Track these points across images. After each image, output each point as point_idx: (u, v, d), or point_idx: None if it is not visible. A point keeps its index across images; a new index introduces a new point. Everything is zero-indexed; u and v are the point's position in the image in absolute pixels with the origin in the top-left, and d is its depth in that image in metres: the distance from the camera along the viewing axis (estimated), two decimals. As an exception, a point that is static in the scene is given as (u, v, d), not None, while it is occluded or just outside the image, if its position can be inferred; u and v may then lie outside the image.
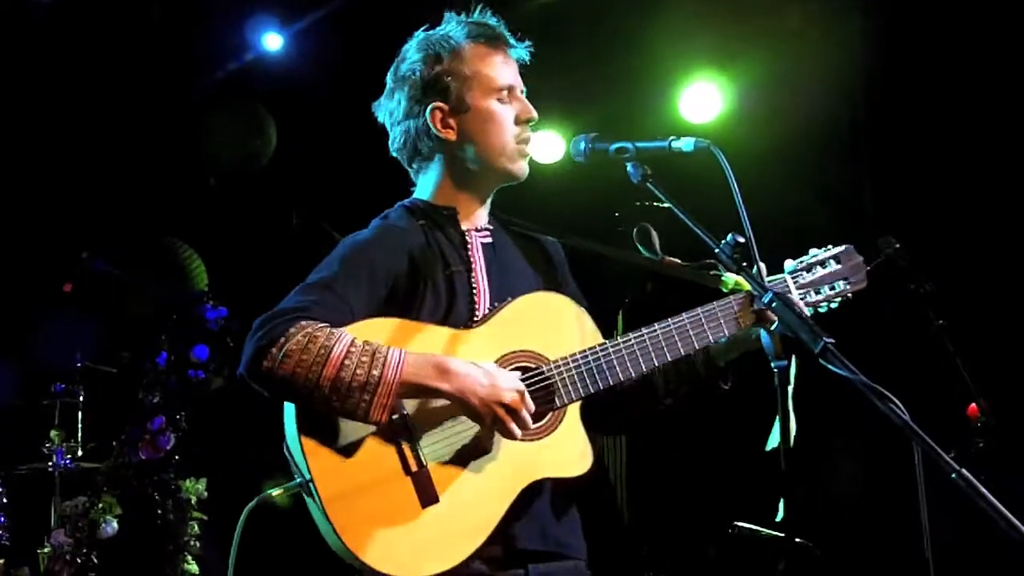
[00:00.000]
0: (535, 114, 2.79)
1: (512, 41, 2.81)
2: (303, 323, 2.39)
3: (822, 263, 2.86)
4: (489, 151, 2.74)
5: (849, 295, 2.87)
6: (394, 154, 2.86)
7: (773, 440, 2.71)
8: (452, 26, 2.79)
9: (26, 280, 6.37)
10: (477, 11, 2.83)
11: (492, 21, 2.82)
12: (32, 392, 5.91)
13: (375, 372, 2.37)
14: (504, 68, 2.77)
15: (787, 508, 2.65)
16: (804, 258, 2.88)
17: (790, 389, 2.64)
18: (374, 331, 2.48)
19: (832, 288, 2.85)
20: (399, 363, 2.40)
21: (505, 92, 2.76)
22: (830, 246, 2.90)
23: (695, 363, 2.80)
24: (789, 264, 2.86)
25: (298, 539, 2.57)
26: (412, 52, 2.78)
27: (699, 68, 6.27)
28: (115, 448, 5.88)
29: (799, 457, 2.37)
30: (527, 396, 2.50)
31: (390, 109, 2.82)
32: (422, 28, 2.83)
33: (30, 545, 5.59)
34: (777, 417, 2.65)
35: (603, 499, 5.91)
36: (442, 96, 2.73)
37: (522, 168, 2.79)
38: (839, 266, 2.87)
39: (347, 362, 2.36)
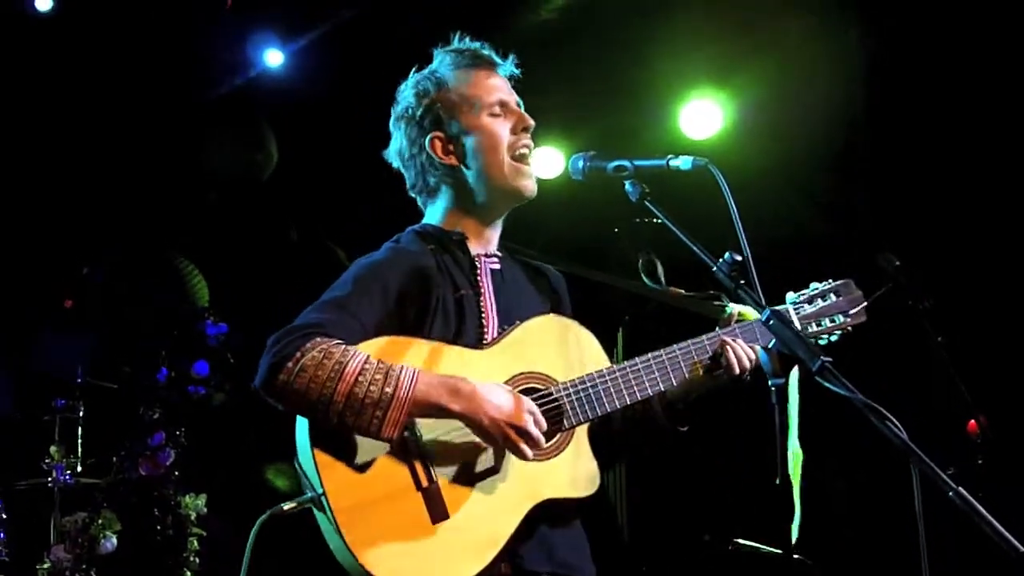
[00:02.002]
0: (531, 121, 2.82)
1: (496, 59, 2.86)
2: (318, 339, 2.43)
3: (823, 295, 2.92)
4: (492, 169, 2.77)
5: (849, 328, 2.90)
6: (411, 193, 2.91)
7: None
8: (438, 60, 2.87)
9: (27, 295, 6.38)
10: (456, 39, 2.89)
11: (474, 45, 2.87)
12: (32, 407, 5.90)
13: (388, 389, 2.41)
14: (491, 85, 2.82)
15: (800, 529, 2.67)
16: (806, 290, 2.93)
17: (791, 408, 2.67)
18: (387, 349, 2.50)
19: (832, 320, 2.90)
20: (412, 381, 2.43)
21: (496, 106, 2.80)
22: (831, 280, 2.95)
23: (652, 407, 2.81)
24: (791, 296, 2.91)
25: (309, 554, 2.56)
26: (406, 93, 2.86)
27: (699, 84, 6.29)
28: (115, 464, 5.88)
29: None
30: (539, 416, 2.53)
31: (397, 151, 2.88)
32: (413, 69, 2.89)
33: (29, 561, 5.58)
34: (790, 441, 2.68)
35: (603, 517, 5.90)
36: (437, 125, 2.79)
37: (527, 186, 2.80)
38: (838, 299, 2.92)
39: (361, 379, 2.40)
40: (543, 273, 2.96)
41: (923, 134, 5.86)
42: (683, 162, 2.59)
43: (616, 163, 2.67)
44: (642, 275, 2.77)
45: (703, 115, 6.27)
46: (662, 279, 2.76)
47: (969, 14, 5.63)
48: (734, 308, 2.80)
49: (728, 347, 2.71)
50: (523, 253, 2.92)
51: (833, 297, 2.91)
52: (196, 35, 6.38)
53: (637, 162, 2.65)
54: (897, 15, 5.89)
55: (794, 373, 2.71)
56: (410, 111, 2.81)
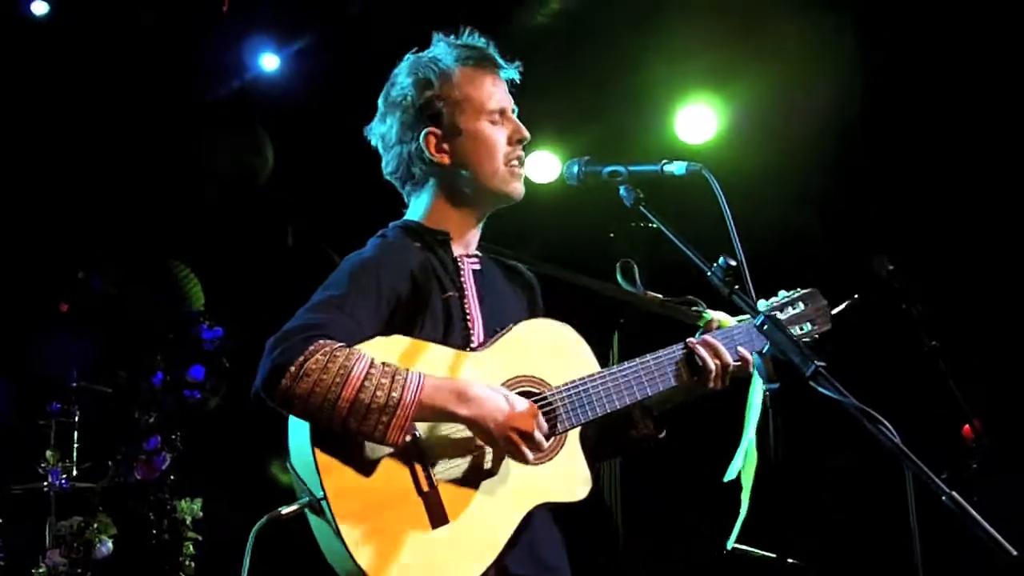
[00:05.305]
0: (527, 134, 2.79)
1: (501, 62, 2.82)
2: (321, 341, 2.38)
3: (792, 303, 2.95)
4: (483, 174, 2.74)
5: (816, 336, 2.93)
6: (387, 177, 2.86)
7: (734, 468, 2.74)
8: (441, 49, 2.79)
9: (23, 299, 6.37)
10: (466, 33, 2.83)
11: (480, 43, 2.82)
12: (28, 411, 5.90)
13: (394, 394, 2.38)
14: (494, 90, 2.78)
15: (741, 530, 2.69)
16: (775, 299, 2.96)
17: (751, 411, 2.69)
18: (386, 350, 2.48)
19: (800, 329, 2.95)
20: (418, 386, 2.41)
21: (496, 114, 2.77)
22: (798, 288, 2.97)
23: (631, 414, 2.82)
24: (762, 303, 2.91)
25: (307, 558, 2.55)
26: (402, 76, 2.79)
27: (695, 89, 6.29)
28: (110, 468, 5.88)
29: (791, 477, 2.38)
30: (541, 419, 2.52)
31: (382, 133, 2.82)
32: (411, 51, 2.83)
33: (25, 565, 5.58)
34: (743, 442, 2.69)
35: (598, 521, 5.90)
36: (435, 121, 2.73)
37: (517, 189, 2.78)
38: (806, 308, 2.96)
39: (367, 383, 2.36)
40: (518, 272, 2.95)
41: (919, 138, 5.87)
42: (677, 167, 2.61)
43: (611, 168, 2.69)
44: (618, 278, 2.77)
45: (699, 120, 6.27)
46: (639, 282, 2.76)
47: (965, 20, 5.64)
48: (712, 315, 2.82)
49: (698, 347, 2.73)
50: (498, 252, 2.90)
51: (801, 306, 2.96)
52: (192, 39, 6.38)
53: (632, 167, 2.67)
54: (893, 20, 5.90)
55: (757, 380, 2.73)
56: (408, 97, 2.75)
